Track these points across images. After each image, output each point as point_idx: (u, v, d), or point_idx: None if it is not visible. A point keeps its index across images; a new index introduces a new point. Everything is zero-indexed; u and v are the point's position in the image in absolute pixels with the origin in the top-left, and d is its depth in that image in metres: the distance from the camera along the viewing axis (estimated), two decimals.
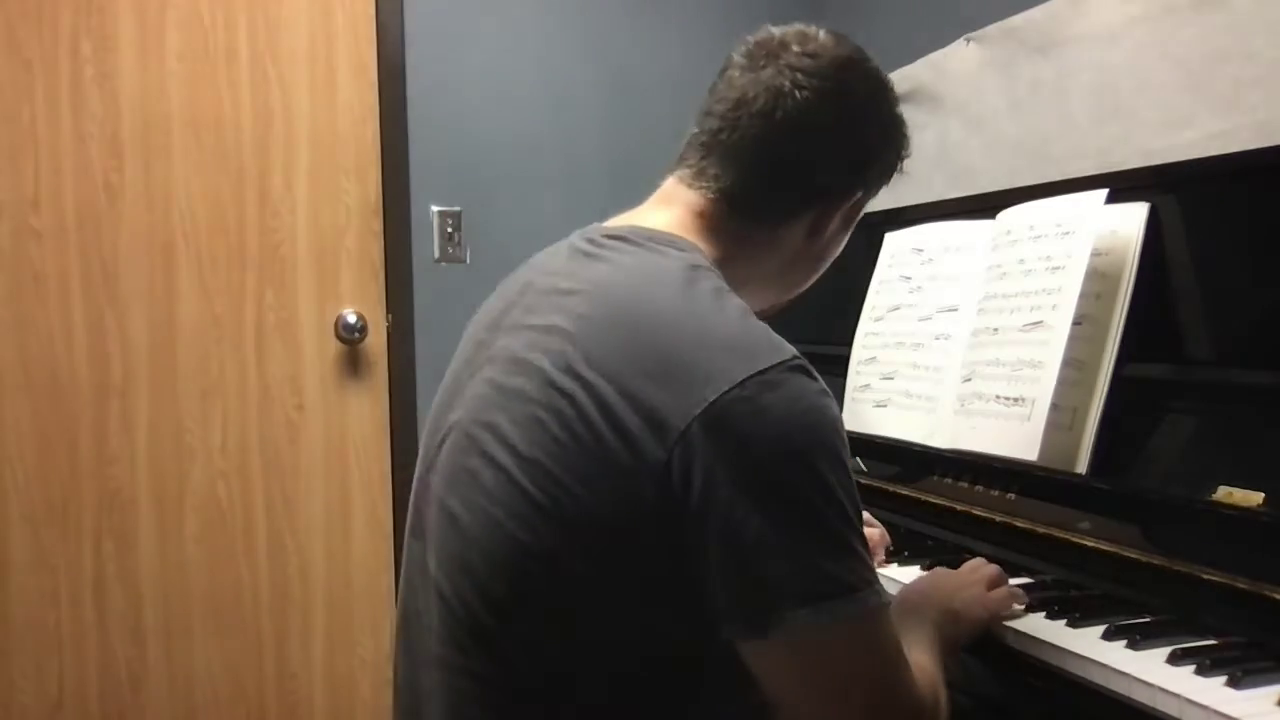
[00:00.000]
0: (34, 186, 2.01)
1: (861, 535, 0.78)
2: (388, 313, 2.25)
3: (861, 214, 1.00)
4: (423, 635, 0.89)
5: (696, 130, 0.93)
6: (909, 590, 1.05)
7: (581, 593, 0.79)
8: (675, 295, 0.80)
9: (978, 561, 1.09)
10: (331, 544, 2.23)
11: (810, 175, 0.91)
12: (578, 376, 0.77)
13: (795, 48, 0.90)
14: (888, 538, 1.29)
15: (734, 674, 0.80)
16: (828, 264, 1.01)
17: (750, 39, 0.93)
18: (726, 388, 0.74)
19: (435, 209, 2.30)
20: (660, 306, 0.79)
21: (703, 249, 0.89)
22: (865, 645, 0.77)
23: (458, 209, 2.31)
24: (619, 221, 0.93)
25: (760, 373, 0.75)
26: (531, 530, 0.78)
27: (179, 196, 2.10)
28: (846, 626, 0.75)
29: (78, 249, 2.04)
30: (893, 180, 1.00)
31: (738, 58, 0.92)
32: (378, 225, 2.24)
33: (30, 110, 2.00)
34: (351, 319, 2.20)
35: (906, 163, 1.00)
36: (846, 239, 1.00)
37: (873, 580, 0.77)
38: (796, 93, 0.88)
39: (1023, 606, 1.04)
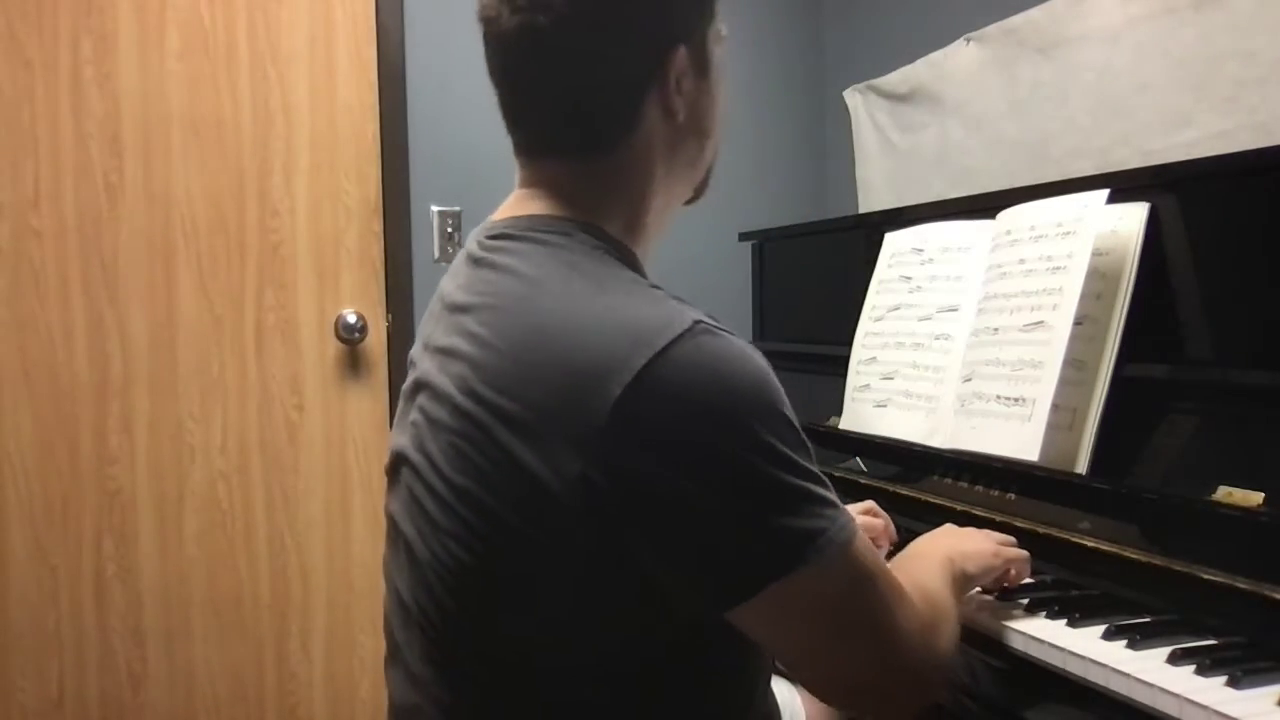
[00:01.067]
0: (34, 186, 2.01)
1: (811, 471, 0.76)
2: (388, 313, 2.25)
3: (715, 48, 0.88)
4: (404, 649, 0.91)
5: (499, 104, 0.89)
6: (923, 536, 1.07)
7: (532, 609, 0.78)
8: (560, 295, 0.77)
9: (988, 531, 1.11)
10: (331, 544, 2.23)
11: (605, 80, 0.83)
12: (480, 399, 0.76)
13: None
14: (892, 528, 1.29)
15: (698, 670, 0.81)
16: (717, 119, 0.91)
17: None
18: (629, 379, 0.70)
19: (435, 209, 2.30)
20: (548, 311, 0.76)
21: (581, 215, 0.85)
22: (844, 580, 0.76)
23: (458, 209, 2.31)
24: (502, 214, 0.90)
25: (659, 354, 0.71)
26: (475, 554, 0.78)
27: (179, 196, 2.10)
28: (820, 570, 0.74)
29: (78, 249, 2.04)
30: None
31: (480, 13, 0.87)
32: (378, 225, 2.24)
33: (30, 110, 2.00)
34: (351, 319, 2.20)
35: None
36: (716, 84, 0.89)
37: (836, 516, 0.75)
38: (525, 21, 0.82)
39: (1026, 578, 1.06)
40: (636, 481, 0.71)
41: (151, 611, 2.10)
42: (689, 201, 0.97)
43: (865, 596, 0.77)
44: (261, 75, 2.14)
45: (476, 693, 0.83)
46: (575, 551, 0.75)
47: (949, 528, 1.10)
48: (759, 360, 0.75)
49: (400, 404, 0.93)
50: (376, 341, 2.24)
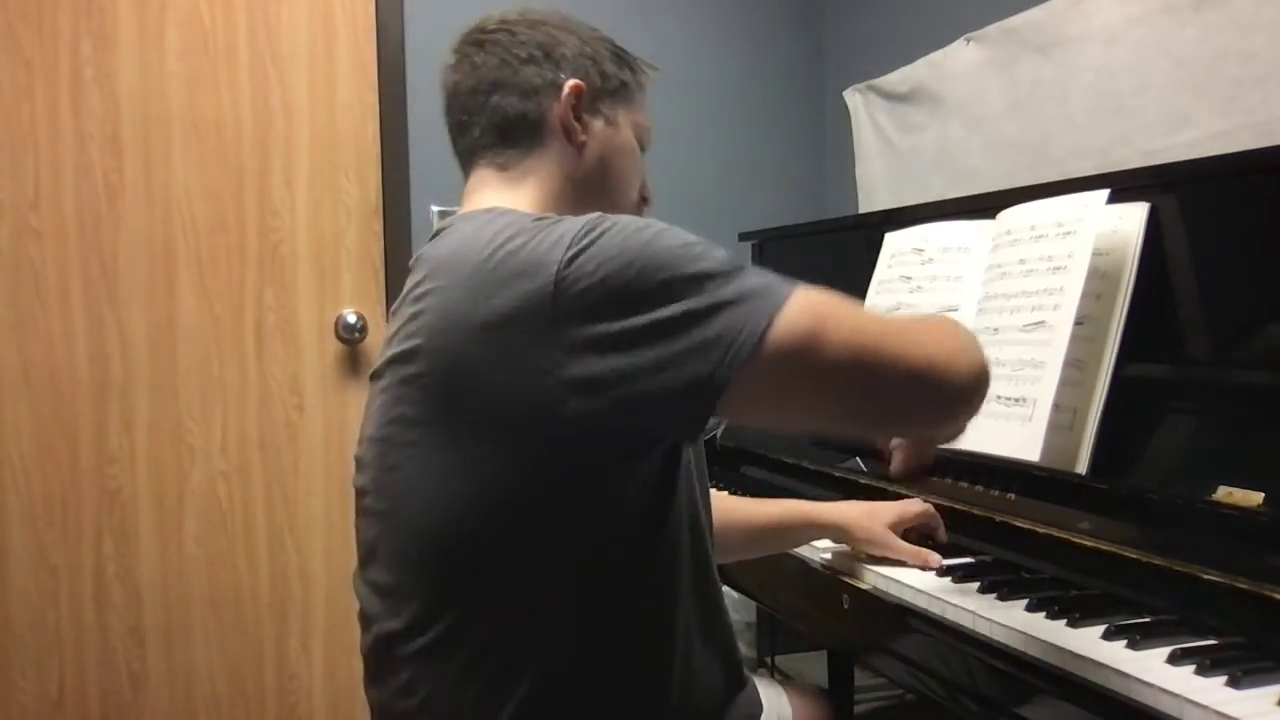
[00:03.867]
0: (34, 186, 2.01)
1: (742, 263, 0.83)
2: (388, 313, 2.25)
3: (625, 123, 1.06)
4: (374, 651, 1.00)
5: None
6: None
7: (529, 520, 0.86)
8: (493, 230, 0.87)
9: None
10: (331, 544, 2.23)
11: (512, 91, 1.00)
12: (444, 333, 0.85)
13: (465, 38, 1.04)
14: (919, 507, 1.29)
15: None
16: (628, 172, 1.06)
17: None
18: (555, 269, 0.79)
19: (435, 209, 2.30)
20: (484, 242, 0.86)
21: (505, 202, 0.98)
22: (827, 314, 0.83)
23: (458, 209, 2.31)
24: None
25: (578, 237, 0.81)
26: (453, 480, 0.86)
27: (179, 196, 2.10)
28: (801, 308, 0.81)
29: (78, 249, 2.04)
30: (628, 77, 1.08)
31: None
32: (378, 225, 2.24)
33: (30, 110, 2.00)
34: (351, 319, 2.20)
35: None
36: (626, 143, 1.06)
37: (782, 277, 0.84)
38: (465, 52, 1.02)
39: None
40: (595, 340, 0.78)
41: (151, 611, 2.10)
42: None
43: (857, 335, 0.83)
44: (261, 75, 2.14)
45: (469, 663, 0.90)
46: (553, 443, 0.81)
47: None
48: (659, 223, 0.84)
49: (361, 428, 1.02)
50: (376, 341, 2.24)
